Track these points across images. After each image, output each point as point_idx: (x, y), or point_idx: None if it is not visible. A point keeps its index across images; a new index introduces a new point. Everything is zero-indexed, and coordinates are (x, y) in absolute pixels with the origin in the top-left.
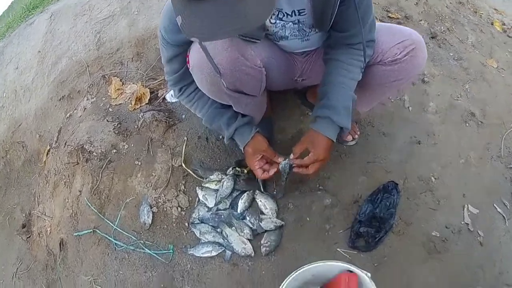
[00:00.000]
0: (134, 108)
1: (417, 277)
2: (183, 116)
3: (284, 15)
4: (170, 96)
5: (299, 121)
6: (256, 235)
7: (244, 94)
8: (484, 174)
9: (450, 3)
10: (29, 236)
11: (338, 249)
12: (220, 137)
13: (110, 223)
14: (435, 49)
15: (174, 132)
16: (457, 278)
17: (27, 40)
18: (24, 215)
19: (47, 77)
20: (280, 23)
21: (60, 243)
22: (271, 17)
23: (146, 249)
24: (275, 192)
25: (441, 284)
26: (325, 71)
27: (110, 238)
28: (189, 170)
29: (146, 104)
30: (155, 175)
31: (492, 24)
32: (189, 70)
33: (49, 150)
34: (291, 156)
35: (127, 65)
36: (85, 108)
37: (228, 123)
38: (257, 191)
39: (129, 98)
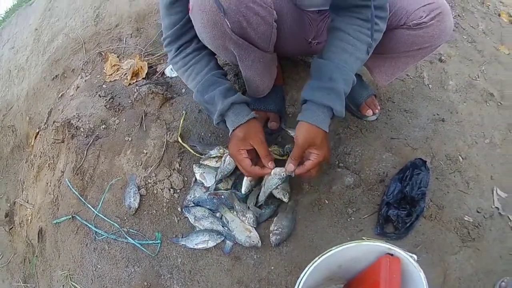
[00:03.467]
0: (130, 83)
1: (452, 268)
2: (183, 90)
3: None
4: (170, 70)
5: None
6: (261, 223)
7: (252, 45)
8: (508, 155)
9: None
10: (12, 227)
11: (363, 237)
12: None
13: (91, 208)
14: None
15: (172, 106)
16: (492, 266)
17: (25, 20)
18: (8, 204)
19: (41, 55)
20: None
21: (38, 233)
22: None
23: (130, 239)
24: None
25: (478, 274)
26: (327, 41)
27: (90, 226)
28: (185, 146)
29: (143, 78)
30: (146, 152)
31: (499, 15)
32: (190, 14)
33: (37, 133)
34: (288, 167)
35: (125, 41)
36: (78, 87)
37: (225, 95)
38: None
39: (125, 73)
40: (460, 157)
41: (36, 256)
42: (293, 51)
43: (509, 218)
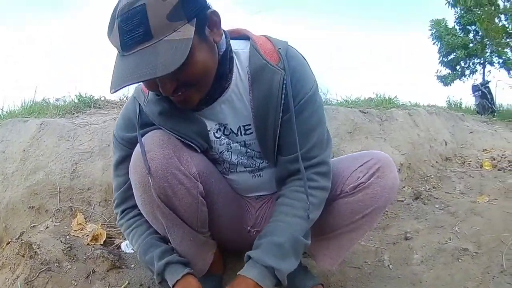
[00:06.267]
0: (88, 243)
1: None
2: (132, 265)
3: (230, 132)
4: (126, 246)
5: None
6: None
7: (179, 218)
8: None
9: (436, 162)
10: None
11: None
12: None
13: None
14: (419, 206)
15: (118, 274)
16: None
17: (18, 134)
18: None
19: (24, 179)
20: (225, 140)
21: None
22: (216, 132)
23: None
24: None
25: None
26: None
27: None
28: None
29: (100, 244)
30: None
31: (481, 166)
32: (129, 176)
33: (8, 243)
34: None
35: (94, 207)
36: (47, 227)
37: (161, 256)
38: None
39: (87, 235)
40: None
41: None
42: (233, 239)
43: None
